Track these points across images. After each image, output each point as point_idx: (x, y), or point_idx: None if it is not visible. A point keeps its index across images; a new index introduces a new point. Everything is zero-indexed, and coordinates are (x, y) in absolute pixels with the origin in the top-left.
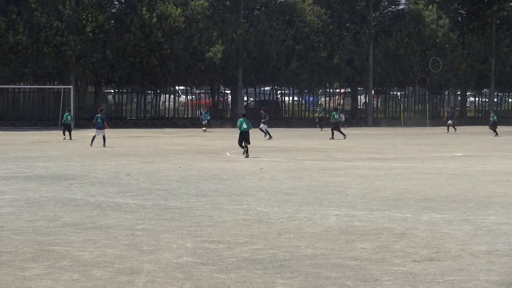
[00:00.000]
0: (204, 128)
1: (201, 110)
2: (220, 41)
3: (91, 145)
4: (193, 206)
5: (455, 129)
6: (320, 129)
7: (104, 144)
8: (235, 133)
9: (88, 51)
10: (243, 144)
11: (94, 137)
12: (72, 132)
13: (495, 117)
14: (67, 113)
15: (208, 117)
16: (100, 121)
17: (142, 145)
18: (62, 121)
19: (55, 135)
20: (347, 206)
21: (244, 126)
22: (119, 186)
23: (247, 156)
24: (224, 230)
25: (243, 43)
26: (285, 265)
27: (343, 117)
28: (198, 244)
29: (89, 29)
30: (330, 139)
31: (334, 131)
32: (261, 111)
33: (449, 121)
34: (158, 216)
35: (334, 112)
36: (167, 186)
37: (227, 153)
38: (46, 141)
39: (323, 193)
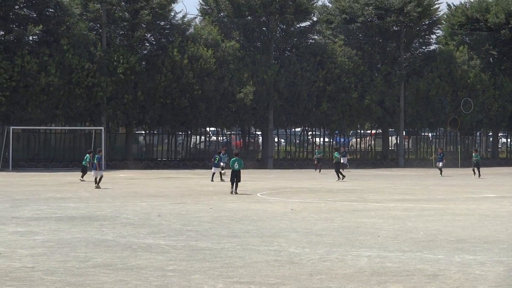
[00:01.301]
0: (222, 171)
1: (218, 151)
2: (251, 82)
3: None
4: (224, 247)
5: (441, 171)
6: (318, 171)
7: (98, 183)
8: (266, 174)
9: (119, 92)
10: (234, 181)
11: (96, 177)
12: (103, 172)
13: (478, 157)
14: (88, 155)
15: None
16: (95, 162)
17: (173, 186)
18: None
19: (86, 176)
20: (379, 247)
21: (235, 166)
22: (150, 227)
23: (235, 193)
24: (255, 271)
25: (274, 84)
26: None
27: (345, 159)
28: (229, 285)
29: (120, 71)
30: (338, 180)
31: (338, 171)
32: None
33: (439, 163)
34: (189, 257)
35: (336, 152)
36: (198, 227)
37: (258, 194)
38: (77, 182)
39: (354, 234)
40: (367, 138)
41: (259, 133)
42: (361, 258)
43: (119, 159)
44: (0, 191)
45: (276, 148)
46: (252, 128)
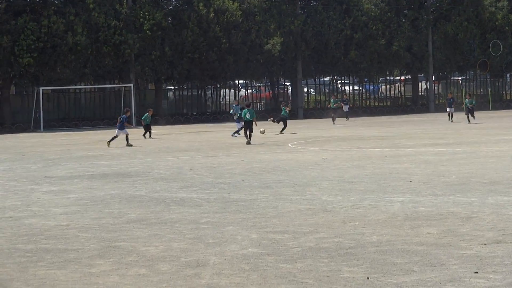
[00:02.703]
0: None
1: (233, 104)
2: (278, 33)
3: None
4: (256, 198)
5: (451, 116)
6: (333, 122)
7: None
8: (297, 124)
9: (146, 49)
10: (247, 132)
11: (114, 137)
12: (134, 129)
13: (473, 102)
14: (146, 114)
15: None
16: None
17: (204, 140)
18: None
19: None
20: (411, 192)
21: (248, 116)
22: (182, 181)
23: (248, 143)
24: (288, 220)
25: (301, 34)
26: (350, 252)
27: (346, 108)
28: (263, 235)
29: (147, 27)
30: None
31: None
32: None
33: (448, 109)
34: (222, 209)
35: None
36: (230, 179)
37: (289, 145)
38: (108, 140)
39: (386, 181)
40: (397, 84)
41: (288, 83)
42: (394, 204)
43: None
44: (33, 151)
45: (305, 98)
46: (281, 79)
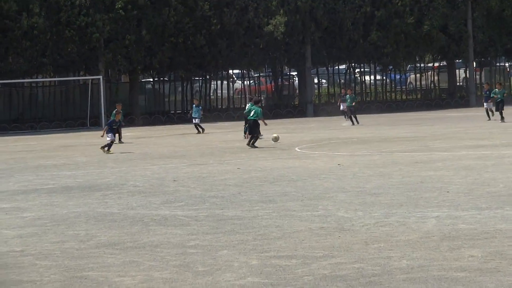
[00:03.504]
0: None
1: (193, 105)
2: (281, 12)
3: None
4: (257, 215)
5: (491, 113)
6: (349, 121)
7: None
8: (305, 123)
9: (119, 32)
10: (246, 134)
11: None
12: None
13: (502, 94)
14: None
15: (199, 113)
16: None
17: (191, 144)
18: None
19: (83, 137)
20: (449, 205)
21: (252, 114)
22: (164, 195)
23: (250, 146)
24: (297, 242)
25: (310, 12)
26: (374, 281)
27: (343, 106)
28: (265, 261)
29: (119, 6)
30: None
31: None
32: None
33: (485, 104)
34: (214, 230)
35: (250, 104)
36: (224, 192)
37: (296, 149)
38: (72, 145)
39: (418, 191)
40: (429, 73)
41: (294, 73)
42: (427, 220)
43: (124, 114)
44: None
45: (316, 91)
46: (286, 68)
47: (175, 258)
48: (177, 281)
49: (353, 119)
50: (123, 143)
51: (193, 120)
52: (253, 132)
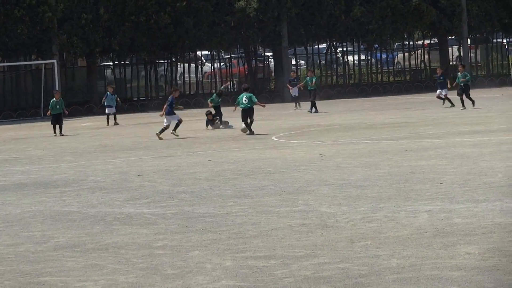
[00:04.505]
0: (107, 123)
1: (107, 92)
2: None
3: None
4: (230, 211)
5: (445, 100)
6: (297, 106)
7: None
8: (282, 110)
9: (74, 11)
10: (247, 121)
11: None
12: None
13: (467, 77)
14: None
15: (116, 102)
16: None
17: (156, 134)
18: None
19: (37, 129)
20: (443, 198)
21: (244, 101)
22: (128, 191)
23: (249, 134)
24: (275, 241)
25: None
26: (362, 282)
27: (295, 91)
28: (241, 262)
29: None
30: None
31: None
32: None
33: (439, 91)
34: (184, 228)
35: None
36: (194, 187)
37: (273, 137)
38: (25, 137)
39: (408, 183)
40: (419, 51)
41: (269, 54)
42: (419, 214)
43: (80, 102)
44: None
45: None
46: (260, 48)
47: (141, 260)
48: (144, 286)
49: (313, 105)
50: (63, 135)
51: (107, 109)
52: (251, 118)
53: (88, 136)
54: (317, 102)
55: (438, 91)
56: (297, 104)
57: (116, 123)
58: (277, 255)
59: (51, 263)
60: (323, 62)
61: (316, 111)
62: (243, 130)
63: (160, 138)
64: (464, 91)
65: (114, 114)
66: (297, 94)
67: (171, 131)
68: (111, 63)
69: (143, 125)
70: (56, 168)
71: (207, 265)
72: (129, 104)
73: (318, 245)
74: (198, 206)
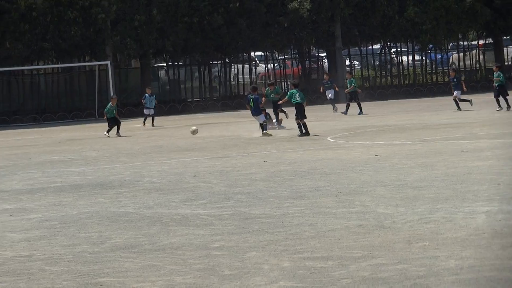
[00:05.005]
0: (143, 124)
1: (146, 94)
2: None
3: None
4: (287, 212)
5: (459, 102)
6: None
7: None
8: (339, 109)
9: (127, 12)
10: (298, 120)
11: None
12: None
13: (501, 77)
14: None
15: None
16: (252, 105)
17: (211, 135)
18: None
19: (92, 130)
20: (500, 199)
21: (297, 98)
22: (184, 192)
23: (302, 135)
24: (332, 242)
25: None
26: (420, 284)
27: (331, 92)
28: (298, 263)
29: None
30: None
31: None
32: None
33: (456, 92)
34: (240, 229)
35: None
36: (250, 188)
37: (329, 138)
38: (80, 139)
39: (465, 184)
40: (473, 52)
41: (323, 55)
42: (476, 216)
43: (134, 104)
44: None
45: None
46: (314, 48)
47: (198, 261)
48: (202, 287)
49: (348, 106)
50: (120, 136)
51: (145, 110)
52: (302, 116)
53: (143, 137)
54: (371, 103)
55: (455, 92)
56: (334, 107)
57: (153, 125)
58: (334, 256)
59: (108, 264)
60: (377, 62)
61: (361, 112)
62: (193, 132)
63: (269, 135)
64: (499, 92)
65: (153, 116)
66: (332, 97)
67: (264, 132)
68: (164, 64)
69: (198, 126)
70: (112, 169)
71: (264, 266)
72: (183, 105)
73: (375, 246)
74: (254, 207)
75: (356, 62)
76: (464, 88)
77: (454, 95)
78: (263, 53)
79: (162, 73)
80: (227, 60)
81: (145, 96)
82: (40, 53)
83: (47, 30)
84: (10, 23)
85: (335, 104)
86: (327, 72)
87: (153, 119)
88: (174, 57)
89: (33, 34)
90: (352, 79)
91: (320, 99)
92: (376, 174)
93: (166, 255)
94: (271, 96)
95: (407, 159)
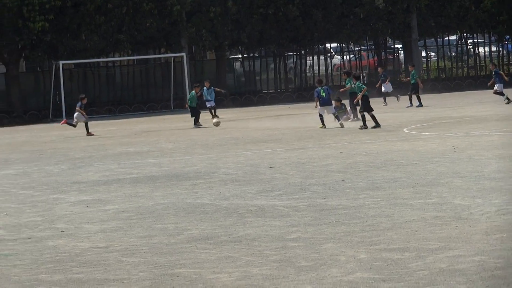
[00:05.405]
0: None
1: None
2: None
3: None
4: (363, 203)
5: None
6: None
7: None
8: (413, 101)
9: (202, 4)
10: (362, 111)
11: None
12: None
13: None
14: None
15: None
16: (324, 95)
17: (287, 126)
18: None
19: (167, 121)
20: None
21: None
22: (260, 183)
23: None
24: (409, 233)
25: None
26: (498, 275)
27: (389, 86)
28: (375, 254)
29: None
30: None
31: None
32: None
33: (496, 86)
34: (317, 221)
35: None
36: (326, 180)
37: (405, 130)
38: (155, 130)
39: None
40: None
41: (399, 46)
42: None
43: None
44: (53, 148)
45: (424, 65)
46: (389, 40)
47: (274, 252)
48: (278, 278)
49: (412, 98)
50: (202, 127)
51: (207, 103)
52: (368, 109)
53: (219, 128)
54: (447, 94)
55: (497, 86)
56: (398, 97)
57: (216, 116)
58: (411, 248)
59: (184, 255)
60: (453, 53)
61: (420, 105)
62: (216, 124)
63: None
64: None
65: (214, 108)
66: (388, 90)
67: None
68: (240, 56)
69: (273, 117)
70: (188, 161)
71: (341, 257)
72: (259, 96)
73: (452, 238)
74: (330, 199)
75: (432, 53)
76: (506, 79)
77: (494, 88)
78: (338, 45)
79: (237, 64)
80: (302, 52)
81: (204, 89)
82: (115, 45)
83: (123, 22)
84: (85, 15)
85: (398, 96)
86: (382, 65)
87: (214, 111)
88: (249, 48)
89: (108, 26)
90: (413, 71)
91: (395, 91)
92: (453, 165)
93: (242, 247)
94: (353, 86)
95: (484, 150)
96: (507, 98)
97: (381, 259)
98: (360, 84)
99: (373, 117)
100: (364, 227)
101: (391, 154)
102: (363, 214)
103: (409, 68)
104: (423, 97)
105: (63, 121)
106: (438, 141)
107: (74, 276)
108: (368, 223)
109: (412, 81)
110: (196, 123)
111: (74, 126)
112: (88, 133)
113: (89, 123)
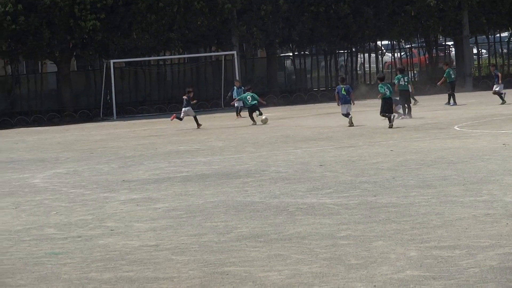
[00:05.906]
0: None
1: (234, 87)
2: None
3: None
4: (414, 201)
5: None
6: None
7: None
8: (464, 98)
9: (253, 2)
10: (386, 114)
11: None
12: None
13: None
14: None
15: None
16: (345, 92)
17: (337, 124)
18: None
19: (217, 119)
20: None
21: (387, 92)
22: (310, 181)
23: (390, 127)
24: (460, 231)
25: None
26: None
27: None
28: (425, 252)
29: None
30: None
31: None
32: None
33: (496, 87)
34: (367, 218)
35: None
36: (376, 177)
37: (455, 127)
38: (206, 129)
39: None
40: None
41: (450, 43)
42: None
43: (261, 93)
44: (104, 147)
45: (475, 63)
46: (441, 37)
47: (324, 250)
48: (328, 276)
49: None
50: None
51: (236, 103)
52: (388, 111)
53: (269, 126)
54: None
55: (496, 86)
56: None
57: (240, 116)
58: (461, 245)
59: (234, 253)
60: (505, 50)
61: (454, 103)
62: (264, 121)
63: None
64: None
65: (241, 108)
66: (500, 89)
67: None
68: (290, 54)
69: (324, 115)
70: (238, 159)
71: (391, 255)
72: (309, 94)
73: (503, 235)
74: (381, 196)
75: (484, 50)
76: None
77: (493, 89)
78: (389, 42)
79: (288, 62)
80: (353, 49)
81: (233, 89)
82: (166, 44)
83: (174, 21)
84: (137, 14)
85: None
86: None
87: (241, 110)
88: (300, 46)
89: (159, 25)
90: (448, 69)
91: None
92: (504, 163)
93: (292, 245)
94: (402, 84)
95: None
96: (503, 99)
97: (431, 257)
98: (386, 85)
99: (389, 118)
100: (414, 225)
101: (441, 152)
102: (414, 212)
103: (443, 67)
104: (475, 94)
105: (172, 116)
106: (489, 139)
107: (124, 275)
108: (419, 220)
109: (449, 80)
110: (258, 115)
111: (181, 119)
112: (198, 126)
113: (141, 121)
